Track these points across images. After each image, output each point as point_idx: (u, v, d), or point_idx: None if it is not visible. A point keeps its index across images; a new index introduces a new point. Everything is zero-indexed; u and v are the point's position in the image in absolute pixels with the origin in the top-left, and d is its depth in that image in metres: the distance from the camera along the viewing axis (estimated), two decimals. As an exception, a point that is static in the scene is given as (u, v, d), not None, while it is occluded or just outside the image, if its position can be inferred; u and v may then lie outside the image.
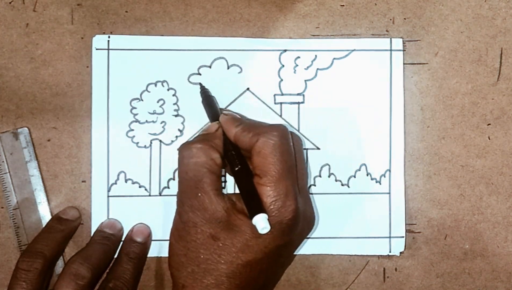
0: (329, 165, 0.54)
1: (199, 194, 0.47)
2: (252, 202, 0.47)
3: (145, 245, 0.53)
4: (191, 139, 0.51)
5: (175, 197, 0.53)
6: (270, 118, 0.54)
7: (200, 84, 0.54)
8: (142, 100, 0.54)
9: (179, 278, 0.48)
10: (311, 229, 0.52)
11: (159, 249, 0.54)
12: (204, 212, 0.47)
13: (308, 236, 0.54)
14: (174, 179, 0.54)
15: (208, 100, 0.53)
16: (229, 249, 0.47)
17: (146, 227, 0.53)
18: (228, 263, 0.47)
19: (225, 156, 0.49)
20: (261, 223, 0.45)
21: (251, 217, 0.46)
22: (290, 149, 0.48)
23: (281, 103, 0.54)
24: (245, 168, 0.48)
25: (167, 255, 0.53)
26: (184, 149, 0.48)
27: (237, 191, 0.49)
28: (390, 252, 0.54)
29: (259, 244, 0.47)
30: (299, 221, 0.48)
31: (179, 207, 0.49)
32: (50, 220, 0.53)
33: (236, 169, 0.48)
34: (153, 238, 0.54)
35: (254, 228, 0.46)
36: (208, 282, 0.47)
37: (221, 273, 0.47)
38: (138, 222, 0.54)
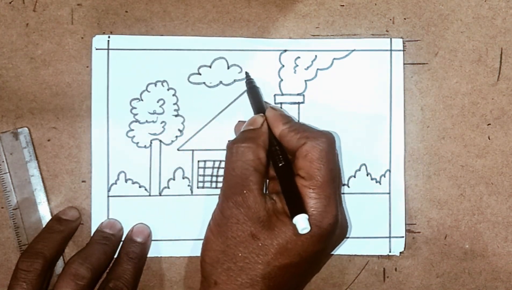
0: (329, 165, 0.54)
1: (245, 191, 0.47)
2: (294, 201, 0.47)
3: (145, 245, 0.53)
4: (237, 136, 0.50)
5: (175, 197, 0.54)
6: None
7: (246, 73, 0.54)
8: (142, 100, 0.54)
9: (212, 274, 0.48)
10: (343, 239, 0.52)
11: (159, 249, 0.54)
12: (247, 210, 0.47)
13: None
14: (174, 179, 0.54)
15: (253, 91, 0.53)
16: (267, 250, 0.46)
17: (146, 227, 0.53)
18: (265, 263, 0.46)
19: (269, 151, 0.49)
20: (302, 223, 0.45)
21: (292, 216, 0.46)
22: (336, 157, 0.49)
23: (281, 103, 0.54)
24: (288, 165, 0.48)
25: (166, 255, 0.54)
26: (233, 147, 0.48)
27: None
28: (390, 252, 0.54)
29: (298, 248, 0.46)
30: (337, 228, 0.48)
31: (222, 202, 0.48)
32: (50, 221, 0.53)
33: (280, 165, 0.48)
34: (153, 238, 0.54)
35: (294, 230, 0.46)
36: (243, 281, 0.47)
37: (257, 273, 0.46)
38: (138, 222, 0.54)
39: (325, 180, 0.47)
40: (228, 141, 0.50)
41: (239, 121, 0.53)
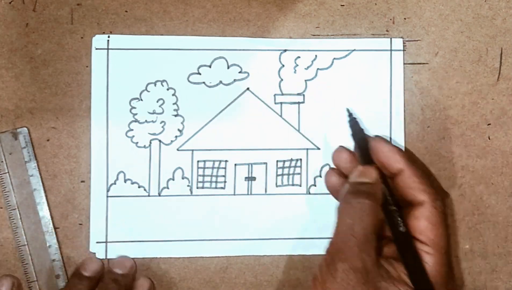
0: (329, 165, 0.54)
1: (364, 255, 0.43)
2: (419, 276, 0.43)
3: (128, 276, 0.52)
4: (351, 187, 0.46)
5: (174, 197, 0.54)
6: (270, 118, 0.54)
7: (348, 110, 0.51)
8: (141, 100, 0.54)
9: None
10: None
11: (158, 249, 0.54)
12: (366, 276, 0.42)
13: (307, 236, 0.54)
14: (173, 179, 0.54)
15: (360, 136, 0.49)
16: None
17: (147, 279, 0.53)
18: None
19: (383, 207, 0.45)
20: None
21: None
22: None
23: (281, 103, 0.54)
24: (408, 231, 0.45)
25: (166, 255, 0.54)
26: (352, 202, 0.44)
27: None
28: (390, 252, 0.54)
29: None
30: None
31: (335, 263, 0.43)
32: (71, 277, 0.51)
33: (402, 230, 0.44)
34: (152, 239, 0.54)
35: None
36: None
37: None
38: (138, 222, 0.53)
39: (446, 247, 0.44)
40: (343, 191, 0.46)
41: (340, 146, 0.51)
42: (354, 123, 0.51)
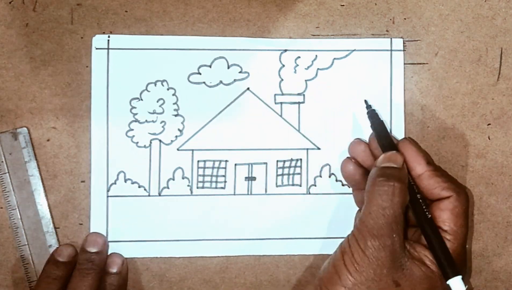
0: (329, 165, 0.54)
1: (394, 235, 0.46)
2: (447, 261, 0.46)
3: (121, 274, 0.53)
4: (380, 171, 0.48)
5: (174, 197, 0.53)
6: (270, 118, 0.54)
7: (366, 102, 0.53)
8: (141, 99, 0.54)
9: None
10: None
11: (158, 249, 0.54)
12: (394, 254, 0.46)
13: (307, 236, 0.54)
14: (173, 179, 0.54)
15: (379, 125, 0.51)
16: None
17: (119, 255, 0.53)
18: None
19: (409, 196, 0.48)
20: (459, 286, 0.45)
21: (446, 277, 0.46)
22: None
23: (281, 103, 0.54)
24: (432, 219, 0.48)
25: (166, 255, 0.54)
26: (384, 185, 0.47)
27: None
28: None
29: None
30: None
31: (367, 240, 0.46)
32: (47, 264, 0.52)
33: (429, 217, 0.47)
34: (152, 239, 0.54)
35: (436, 284, 0.46)
36: None
37: None
38: (138, 222, 0.53)
39: (465, 238, 0.48)
40: (371, 175, 0.48)
41: (356, 138, 0.53)
42: (373, 114, 0.52)
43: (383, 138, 0.51)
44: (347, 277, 0.46)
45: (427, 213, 0.48)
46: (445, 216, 0.47)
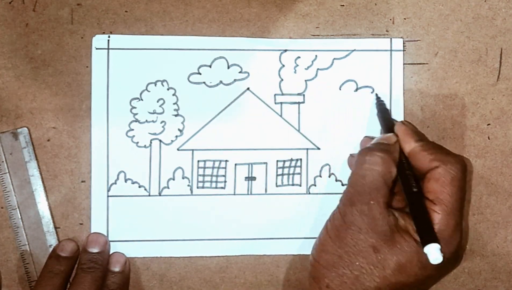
0: (329, 165, 0.54)
1: (372, 202, 0.47)
2: (426, 229, 0.46)
3: (124, 273, 0.53)
4: (370, 144, 0.50)
5: (175, 197, 0.54)
6: (270, 118, 0.54)
7: (377, 95, 0.54)
8: (142, 99, 0.54)
9: (326, 277, 0.47)
10: (456, 266, 0.53)
11: (158, 249, 0.54)
12: (371, 221, 0.47)
13: (307, 236, 0.54)
14: (173, 179, 0.54)
15: (383, 110, 0.53)
16: (386, 264, 0.46)
17: (122, 255, 0.53)
18: (381, 277, 0.46)
19: (399, 171, 0.48)
20: (434, 253, 0.45)
21: (423, 244, 0.45)
22: (466, 185, 0.49)
23: (281, 103, 0.54)
24: (420, 191, 0.48)
25: (166, 255, 0.54)
26: (367, 154, 0.48)
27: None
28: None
29: (416, 269, 0.46)
30: (458, 257, 0.49)
31: (345, 207, 0.48)
32: (49, 259, 0.52)
33: (415, 190, 0.48)
34: (152, 239, 0.54)
35: (418, 253, 0.46)
36: None
37: (372, 285, 0.46)
38: (138, 221, 0.54)
39: (455, 207, 0.47)
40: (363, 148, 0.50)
41: (365, 136, 0.53)
42: (380, 103, 0.53)
43: (386, 121, 0.52)
44: (328, 242, 0.48)
45: (413, 186, 0.48)
46: (431, 187, 0.47)
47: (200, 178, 0.54)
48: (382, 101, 0.54)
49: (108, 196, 0.54)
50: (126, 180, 0.54)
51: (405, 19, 0.55)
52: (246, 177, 0.54)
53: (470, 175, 0.54)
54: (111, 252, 0.53)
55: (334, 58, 0.55)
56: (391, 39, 0.55)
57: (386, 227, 0.46)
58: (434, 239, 0.45)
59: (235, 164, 0.54)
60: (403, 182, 0.49)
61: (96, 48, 0.54)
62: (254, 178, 0.54)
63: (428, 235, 0.46)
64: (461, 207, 0.48)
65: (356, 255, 0.47)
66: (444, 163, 0.47)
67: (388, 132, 0.51)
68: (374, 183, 0.47)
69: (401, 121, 0.52)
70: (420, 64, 0.55)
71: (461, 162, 0.48)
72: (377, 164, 0.47)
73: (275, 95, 0.54)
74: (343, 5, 0.55)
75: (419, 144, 0.49)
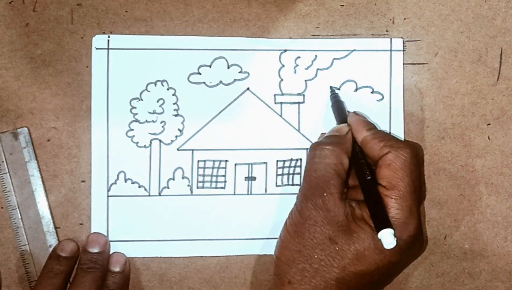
0: (329, 165, 0.54)
1: (325, 194, 0.47)
2: (379, 215, 0.47)
3: (124, 273, 0.53)
4: (322, 139, 0.51)
5: (175, 197, 0.54)
6: (270, 118, 0.54)
7: (331, 87, 0.54)
8: (141, 99, 0.54)
9: (287, 273, 0.48)
10: (421, 252, 0.53)
11: (158, 249, 0.54)
12: (327, 213, 0.47)
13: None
14: (173, 179, 0.54)
15: (337, 102, 0.53)
16: (344, 254, 0.47)
17: (122, 255, 0.53)
18: (340, 268, 0.47)
19: (353, 161, 0.49)
20: (388, 238, 0.45)
21: (377, 230, 0.46)
22: (420, 170, 0.49)
23: (281, 103, 0.54)
24: (374, 178, 0.48)
25: (166, 255, 0.54)
26: (317, 148, 0.49)
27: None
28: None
29: (375, 256, 0.47)
30: (417, 241, 0.48)
31: (301, 202, 0.48)
32: (49, 258, 0.52)
33: (368, 178, 0.48)
34: (152, 239, 0.54)
35: (374, 239, 0.46)
36: (317, 283, 0.47)
37: (332, 276, 0.47)
38: (138, 221, 0.53)
39: (407, 191, 0.47)
40: (312, 143, 0.51)
41: (321, 133, 0.54)
42: (334, 95, 0.53)
43: (340, 113, 0.53)
44: (288, 239, 0.48)
45: (367, 174, 0.48)
46: (384, 173, 0.48)
47: (200, 178, 0.54)
48: (336, 93, 0.54)
49: (108, 196, 0.54)
50: (126, 180, 0.54)
51: (405, 19, 0.55)
52: (246, 177, 0.54)
53: (424, 162, 0.54)
54: (111, 252, 0.53)
55: (334, 58, 0.55)
56: (391, 39, 0.55)
57: (342, 217, 0.47)
58: (387, 224, 0.46)
59: (235, 164, 0.54)
60: (356, 171, 0.49)
61: (96, 48, 0.54)
62: (254, 178, 0.54)
63: (381, 221, 0.46)
64: (415, 190, 0.48)
65: (314, 248, 0.47)
66: (394, 149, 0.48)
67: (338, 121, 0.52)
68: (325, 176, 0.48)
69: (353, 112, 0.53)
70: (420, 64, 0.55)
71: (411, 147, 0.49)
72: (327, 157, 0.48)
73: (275, 95, 0.54)
74: (343, 5, 0.55)
75: (371, 133, 0.50)
